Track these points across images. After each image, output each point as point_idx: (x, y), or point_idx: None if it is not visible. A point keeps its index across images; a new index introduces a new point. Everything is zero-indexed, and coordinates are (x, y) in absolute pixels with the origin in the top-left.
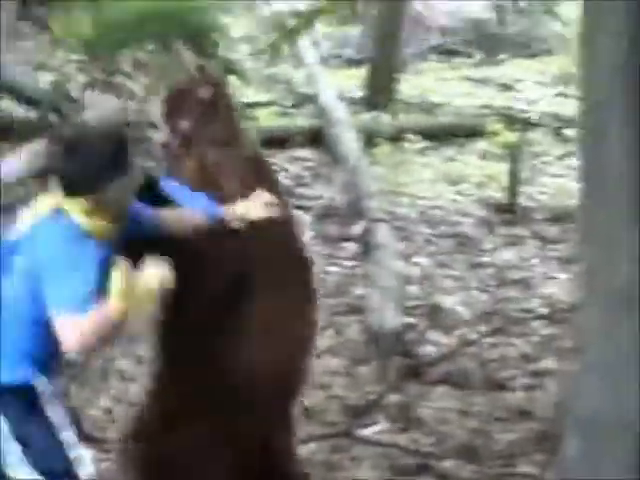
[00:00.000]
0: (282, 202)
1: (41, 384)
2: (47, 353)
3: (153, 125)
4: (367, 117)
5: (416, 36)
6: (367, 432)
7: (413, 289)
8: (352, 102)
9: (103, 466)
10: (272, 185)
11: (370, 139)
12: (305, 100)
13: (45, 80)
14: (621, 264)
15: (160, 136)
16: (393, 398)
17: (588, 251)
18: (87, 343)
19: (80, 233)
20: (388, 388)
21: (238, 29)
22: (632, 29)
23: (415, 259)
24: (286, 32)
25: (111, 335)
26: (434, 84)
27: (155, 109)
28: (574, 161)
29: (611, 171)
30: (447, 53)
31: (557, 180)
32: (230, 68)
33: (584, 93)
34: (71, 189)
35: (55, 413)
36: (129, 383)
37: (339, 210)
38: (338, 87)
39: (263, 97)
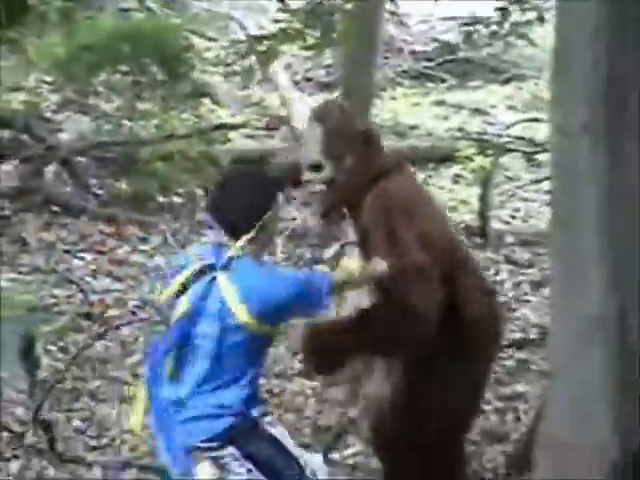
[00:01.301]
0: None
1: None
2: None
3: None
4: None
5: (388, 60)
6: (341, 454)
7: None
8: None
9: None
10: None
11: None
12: (278, 122)
13: (18, 100)
14: (593, 289)
15: (324, 174)
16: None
17: (559, 276)
18: None
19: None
20: (360, 410)
21: (212, 52)
22: (607, 55)
23: None
24: (259, 56)
25: None
26: (406, 108)
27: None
28: (546, 185)
29: (582, 196)
30: (419, 77)
31: (529, 204)
32: (203, 90)
33: (555, 118)
34: (234, 231)
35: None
36: (100, 404)
37: (312, 232)
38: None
39: (237, 119)
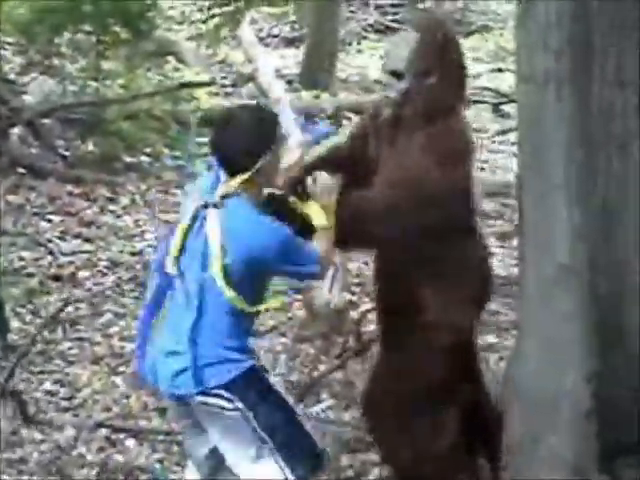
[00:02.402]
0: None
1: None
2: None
3: None
4: (306, 96)
5: (354, 14)
6: (313, 410)
7: (355, 267)
8: (290, 81)
9: (44, 448)
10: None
11: (310, 118)
12: (244, 79)
13: None
14: (562, 238)
15: (402, 85)
16: (337, 376)
17: (529, 226)
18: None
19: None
20: (333, 366)
21: (176, 10)
22: (571, 3)
23: None
24: (227, 17)
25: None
26: (373, 62)
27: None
28: (512, 136)
29: (549, 146)
30: (385, 31)
31: (496, 155)
32: (168, 49)
33: (520, 68)
34: (234, 169)
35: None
36: (71, 366)
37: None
38: (276, 66)
39: (202, 77)
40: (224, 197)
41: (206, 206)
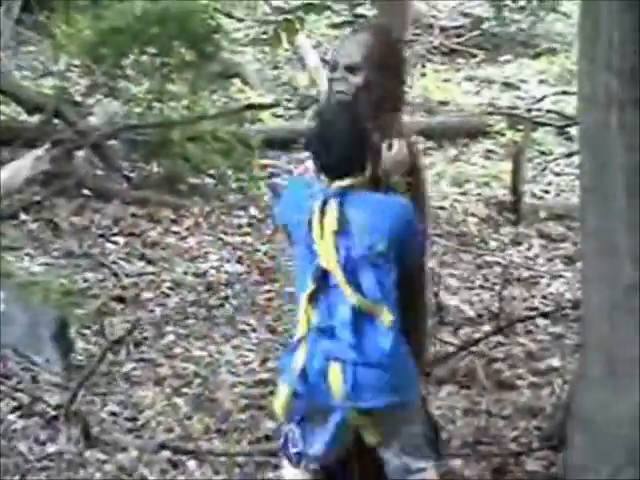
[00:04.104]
0: None
1: None
2: None
3: None
4: None
5: (418, 36)
6: None
7: None
8: None
9: (107, 469)
10: None
11: None
12: (309, 102)
13: (48, 85)
14: (624, 261)
15: (357, 79)
16: None
17: (590, 248)
18: None
19: None
20: None
21: (240, 32)
22: (636, 27)
23: None
24: (284, 25)
25: None
26: (437, 84)
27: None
28: (577, 159)
29: (609, 168)
30: (450, 53)
31: (561, 178)
32: (233, 70)
33: (583, 92)
34: (339, 173)
35: None
36: (135, 387)
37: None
38: None
39: (267, 99)
40: (344, 188)
41: (325, 202)
